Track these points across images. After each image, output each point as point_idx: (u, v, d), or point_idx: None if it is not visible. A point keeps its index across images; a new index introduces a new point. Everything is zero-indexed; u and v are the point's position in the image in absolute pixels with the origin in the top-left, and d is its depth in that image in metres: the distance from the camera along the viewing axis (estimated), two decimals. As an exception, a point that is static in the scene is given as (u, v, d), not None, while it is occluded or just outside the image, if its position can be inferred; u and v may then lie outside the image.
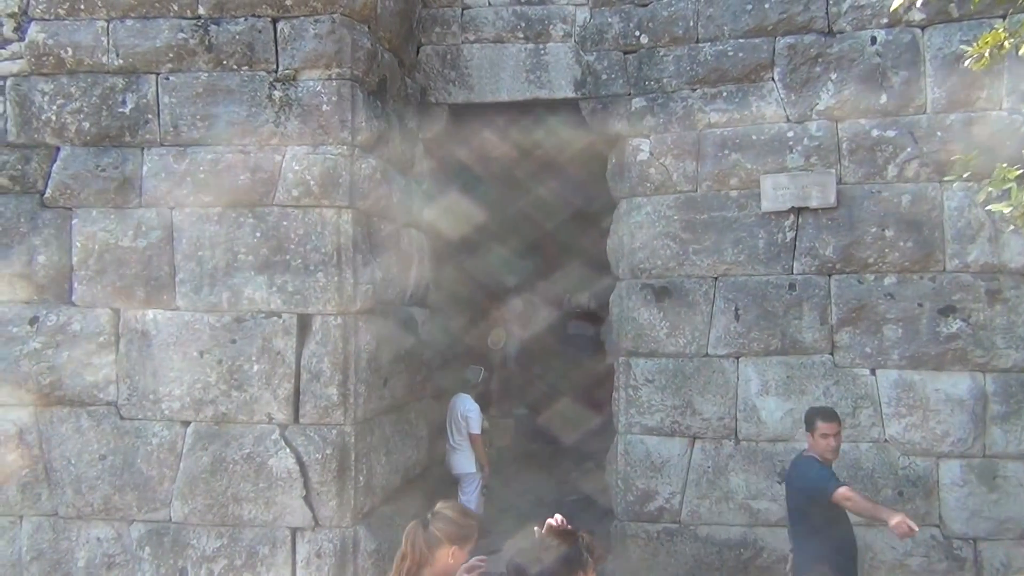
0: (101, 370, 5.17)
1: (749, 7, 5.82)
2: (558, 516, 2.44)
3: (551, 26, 6.31)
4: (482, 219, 7.65)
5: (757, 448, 5.69)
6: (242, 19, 5.16)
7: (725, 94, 5.87)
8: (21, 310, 5.22)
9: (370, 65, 5.33)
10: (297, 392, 5.06)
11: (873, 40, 5.60)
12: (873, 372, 5.55)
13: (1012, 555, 5.25)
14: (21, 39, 5.30)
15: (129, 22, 5.21)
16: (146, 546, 5.12)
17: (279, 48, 5.13)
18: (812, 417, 4.44)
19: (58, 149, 5.27)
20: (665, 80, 6.00)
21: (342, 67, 5.10)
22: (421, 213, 6.54)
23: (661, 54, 6.03)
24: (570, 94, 6.28)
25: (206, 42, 5.16)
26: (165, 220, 5.17)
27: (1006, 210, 3.58)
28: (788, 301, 5.67)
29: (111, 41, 5.22)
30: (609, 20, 6.17)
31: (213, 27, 5.16)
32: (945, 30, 5.48)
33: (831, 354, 5.62)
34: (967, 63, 3.72)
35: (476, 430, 6.80)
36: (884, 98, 5.57)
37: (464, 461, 6.84)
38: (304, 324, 5.09)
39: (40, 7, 5.26)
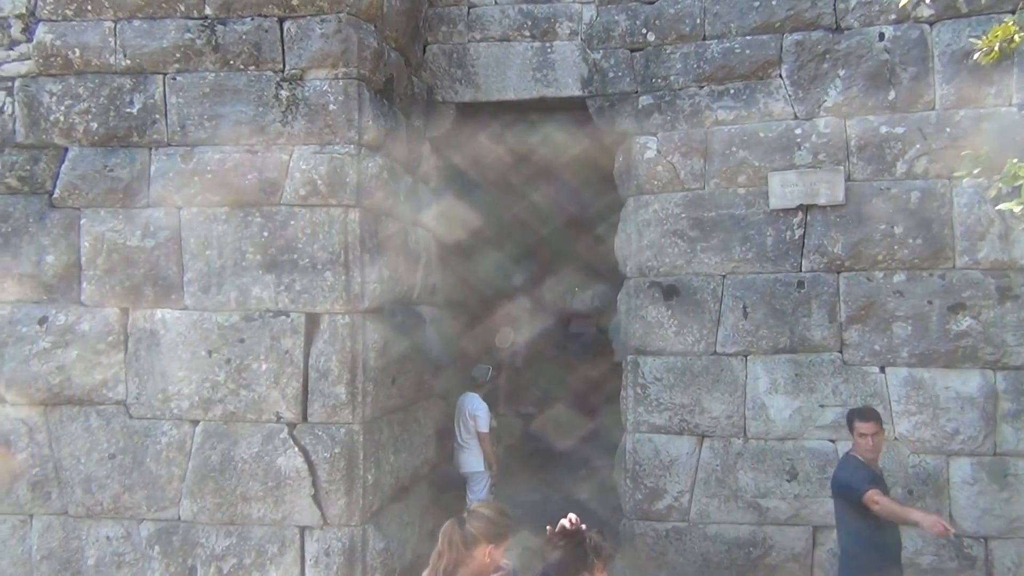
0: (110, 369, 5.18)
1: (756, 4, 5.80)
2: (572, 516, 2.43)
3: (557, 24, 6.31)
4: (485, 218, 7.65)
5: (766, 446, 5.67)
6: (249, 19, 5.17)
7: (732, 91, 5.86)
8: (30, 310, 5.24)
9: (376, 64, 5.33)
10: (305, 391, 5.07)
11: (881, 36, 5.57)
12: (882, 370, 5.52)
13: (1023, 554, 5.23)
14: (29, 40, 5.32)
15: (136, 23, 5.23)
16: (155, 545, 5.14)
17: (286, 48, 5.14)
18: (851, 417, 4.47)
19: (66, 150, 5.28)
20: (672, 78, 5.98)
21: (349, 66, 5.10)
22: (427, 211, 6.54)
23: (668, 52, 6.01)
24: (577, 92, 6.28)
25: (213, 42, 5.17)
26: (173, 220, 5.18)
27: (1016, 208, 3.56)
28: (797, 299, 5.65)
29: (118, 42, 5.23)
30: (616, 18, 6.16)
31: (220, 27, 5.17)
32: (954, 26, 5.46)
33: (840, 352, 5.60)
34: (976, 56, 3.70)
35: (484, 428, 6.79)
36: (893, 95, 5.54)
37: (472, 460, 6.84)
38: (312, 323, 5.09)
39: (48, 8, 5.28)
